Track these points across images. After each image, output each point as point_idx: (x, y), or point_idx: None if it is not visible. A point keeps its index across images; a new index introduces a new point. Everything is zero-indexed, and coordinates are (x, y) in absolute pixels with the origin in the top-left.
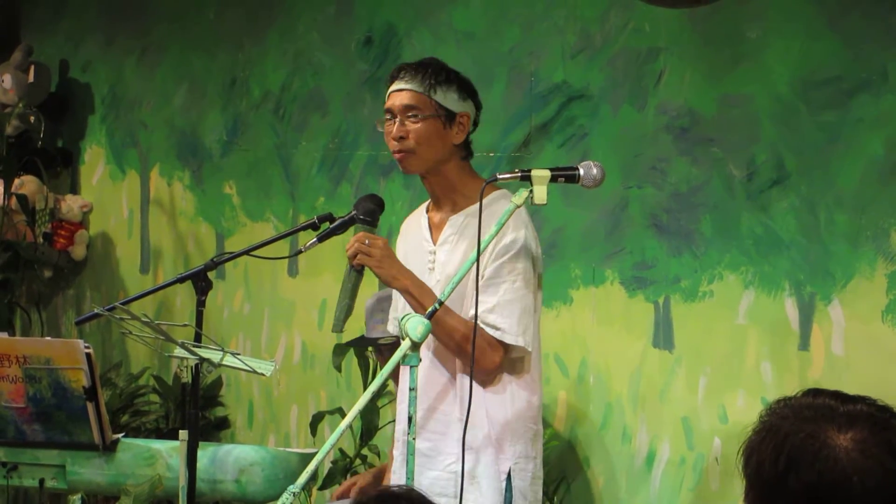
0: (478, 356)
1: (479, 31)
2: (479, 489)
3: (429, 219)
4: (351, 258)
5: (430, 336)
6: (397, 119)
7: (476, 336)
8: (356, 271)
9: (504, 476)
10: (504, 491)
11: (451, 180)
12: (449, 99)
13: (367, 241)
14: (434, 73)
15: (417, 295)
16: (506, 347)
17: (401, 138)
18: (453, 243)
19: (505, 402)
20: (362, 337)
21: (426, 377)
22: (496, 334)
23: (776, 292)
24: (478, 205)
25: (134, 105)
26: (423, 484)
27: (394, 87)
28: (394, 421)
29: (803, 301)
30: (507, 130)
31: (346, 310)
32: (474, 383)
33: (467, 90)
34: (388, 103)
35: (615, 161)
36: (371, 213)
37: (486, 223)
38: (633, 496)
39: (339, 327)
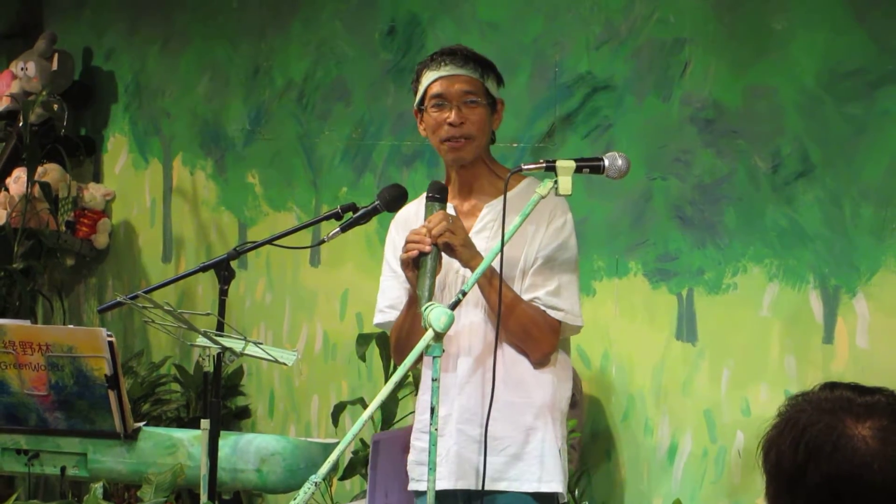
0: (540, 339)
1: (503, 22)
2: (543, 468)
3: (454, 207)
4: (436, 237)
5: (485, 321)
6: (453, 105)
7: (540, 320)
8: (439, 250)
9: (558, 455)
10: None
11: (486, 168)
12: (493, 86)
13: (450, 220)
14: (480, 59)
15: (492, 277)
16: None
17: (461, 124)
18: (493, 229)
19: (554, 382)
20: None
21: (481, 363)
22: (559, 316)
23: (800, 285)
24: (519, 192)
25: (157, 94)
26: (471, 469)
27: (443, 72)
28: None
29: (828, 294)
30: (531, 121)
31: (430, 290)
32: (527, 365)
33: (501, 78)
34: (440, 89)
35: (639, 152)
36: (441, 190)
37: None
38: (654, 488)
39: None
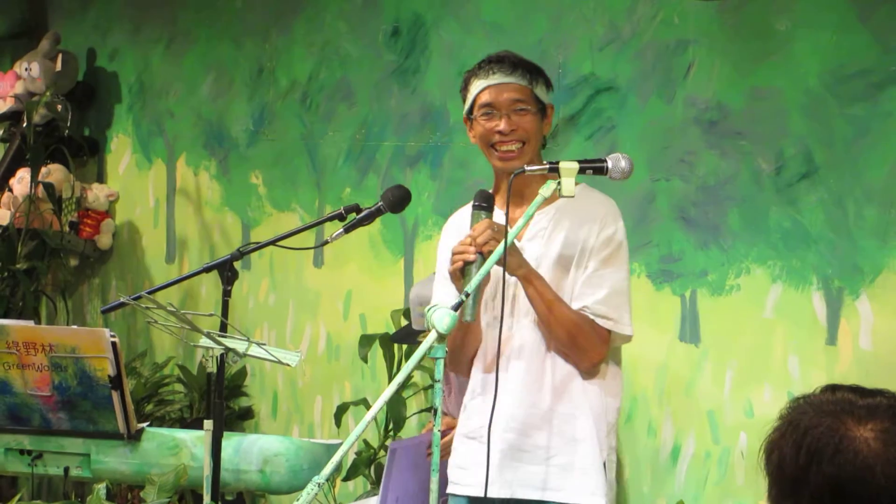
0: (587, 348)
1: (506, 23)
2: (586, 480)
3: (504, 215)
4: (480, 245)
5: (534, 330)
6: (502, 113)
7: (588, 329)
8: (484, 258)
9: (602, 468)
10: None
11: (537, 174)
12: (542, 92)
13: (495, 229)
14: (529, 66)
15: (538, 284)
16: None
17: (512, 131)
18: (545, 236)
19: (603, 392)
20: (408, 327)
21: (525, 370)
22: (607, 324)
23: (804, 286)
24: (558, 198)
25: (161, 94)
26: (512, 478)
27: (491, 80)
28: (422, 412)
29: (831, 295)
30: None
31: (476, 297)
32: (577, 375)
33: (550, 82)
34: (488, 98)
35: (643, 153)
36: (487, 199)
37: (576, 215)
38: (658, 490)
39: (472, 316)
